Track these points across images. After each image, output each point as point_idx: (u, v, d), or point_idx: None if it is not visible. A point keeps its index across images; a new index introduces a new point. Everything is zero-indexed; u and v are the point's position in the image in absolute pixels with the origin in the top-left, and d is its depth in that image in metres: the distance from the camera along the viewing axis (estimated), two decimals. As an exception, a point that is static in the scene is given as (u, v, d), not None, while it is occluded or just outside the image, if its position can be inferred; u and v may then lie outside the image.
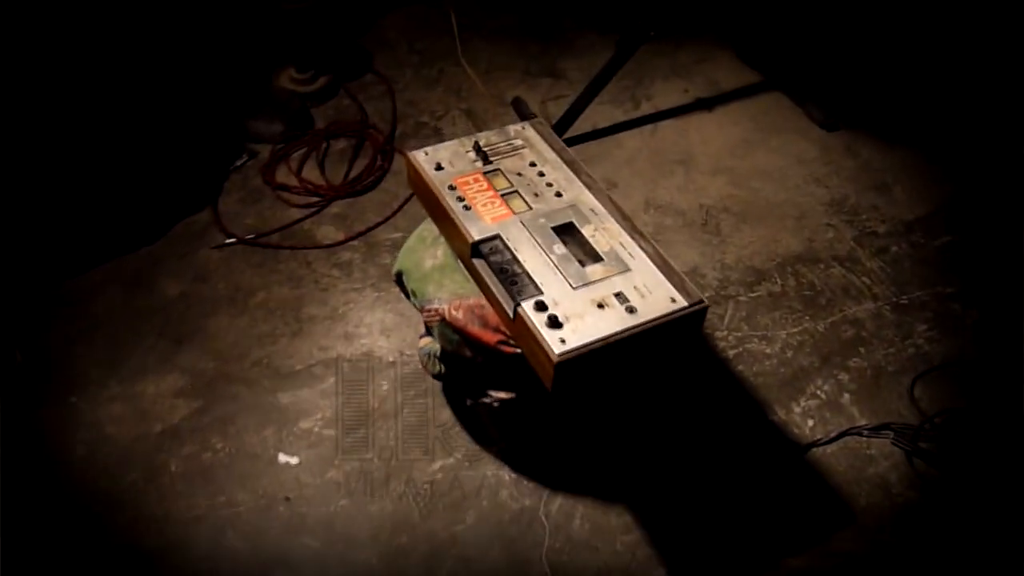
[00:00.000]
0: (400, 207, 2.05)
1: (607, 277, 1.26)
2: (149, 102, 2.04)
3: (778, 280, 1.96)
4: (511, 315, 1.23)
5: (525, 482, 1.55)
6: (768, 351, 1.81)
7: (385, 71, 2.48)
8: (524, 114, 2.31)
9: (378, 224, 2.02)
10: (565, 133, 2.28)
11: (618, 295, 1.23)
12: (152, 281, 1.85)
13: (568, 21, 2.75)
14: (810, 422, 1.68)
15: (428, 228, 1.48)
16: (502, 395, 1.40)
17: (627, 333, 1.19)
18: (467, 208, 1.35)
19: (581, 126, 2.33)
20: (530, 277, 1.25)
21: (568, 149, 1.49)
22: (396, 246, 1.95)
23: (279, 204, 2.06)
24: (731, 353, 1.80)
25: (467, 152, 1.46)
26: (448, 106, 2.38)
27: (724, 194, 2.16)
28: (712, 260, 2.00)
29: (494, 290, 1.26)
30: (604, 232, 1.33)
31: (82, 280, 1.84)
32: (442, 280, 1.37)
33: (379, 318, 1.81)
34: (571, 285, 1.24)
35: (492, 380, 1.41)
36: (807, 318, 1.88)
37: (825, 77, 2.48)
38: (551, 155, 1.47)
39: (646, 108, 2.43)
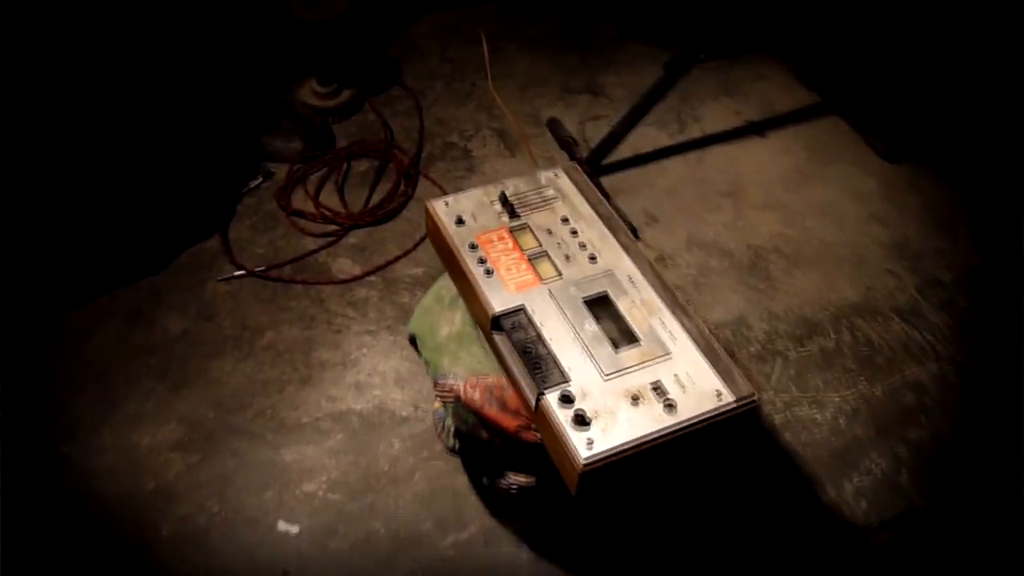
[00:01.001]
0: (422, 239, 1.92)
1: (644, 364, 1.12)
2: (156, 116, 1.93)
3: (832, 334, 1.80)
4: (533, 405, 1.09)
5: (544, 566, 1.42)
6: (818, 418, 1.65)
7: (413, 83, 2.35)
8: (560, 137, 2.16)
9: (398, 258, 1.89)
10: (604, 159, 2.12)
11: (655, 387, 1.09)
12: (153, 317, 1.74)
13: (610, 28, 2.58)
14: (863, 503, 1.53)
15: (446, 286, 1.35)
16: (522, 480, 1.27)
17: (664, 435, 1.05)
18: (489, 273, 1.22)
19: (621, 150, 2.18)
20: (556, 361, 1.11)
21: (605, 203, 1.34)
22: (416, 283, 1.83)
23: (294, 232, 1.94)
24: (777, 419, 1.64)
25: (492, 203, 1.33)
26: (479, 124, 2.24)
27: (775, 232, 2.00)
28: (759, 309, 1.84)
29: (515, 372, 1.13)
30: (642, 307, 1.18)
31: (77, 314, 1.73)
32: (459, 352, 1.24)
33: (393, 366, 1.69)
34: (603, 374, 1.10)
35: (511, 463, 1.27)
36: (863, 380, 1.72)
37: (889, 102, 2.29)
38: (586, 209, 1.33)
39: (693, 131, 2.27)
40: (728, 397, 1.08)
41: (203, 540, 1.43)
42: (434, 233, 1.32)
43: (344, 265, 1.88)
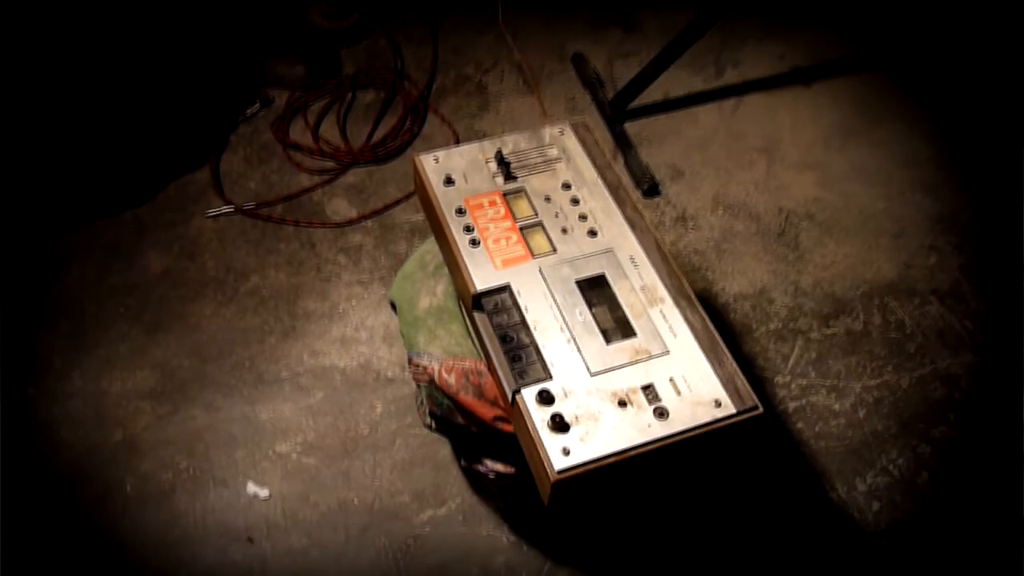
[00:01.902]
0: (425, 183, 1.79)
1: (637, 362, 1.00)
2: (149, 30, 1.80)
3: (861, 315, 1.66)
4: (509, 399, 0.99)
5: (525, 548, 1.35)
6: (836, 407, 1.53)
7: (430, 6, 2.17)
8: (584, 76, 2.00)
9: (397, 202, 1.77)
10: (630, 103, 1.96)
11: (647, 390, 0.98)
12: (133, 253, 1.66)
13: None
14: (875, 505, 1.42)
15: (432, 250, 1.24)
16: (500, 468, 1.18)
17: (650, 447, 0.94)
18: (475, 244, 1.10)
19: (651, 93, 2.01)
20: (538, 352, 1.00)
21: (613, 169, 1.20)
22: (415, 231, 1.72)
23: (289, 167, 1.83)
24: (791, 405, 1.53)
25: (487, 162, 1.19)
26: (498, 57, 2.08)
27: (810, 196, 1.84)
28: (785, 281, 1.71)
29: (494, 359, 1.02)
30: (642, 294, 1.06)
31: (52, 247, 1.65)
32: (436, 330, 1.13)
33: (383, 322, 1.59)
34: (589, 370, 0.98)
35: (489, 450, 1.18)
36: (889, 368, 1.59)
37: (952, 61, 2.08)
38: (591, 174, 1.20)
39: (731, 77, 2.09)
40: (728, 407, 0.97)
41: (167, 499, 1.38)
42: (420, 191, 1.20)
43: (339, 207, 1.77)
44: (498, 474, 1.19)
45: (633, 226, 1.14)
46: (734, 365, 1.01)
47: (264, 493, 1.38)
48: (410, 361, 1.14)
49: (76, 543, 1.33)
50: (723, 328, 1.61)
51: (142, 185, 1.75)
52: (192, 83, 1.88)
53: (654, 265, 1.09)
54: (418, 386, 1.14)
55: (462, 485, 1.40)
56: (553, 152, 1.22)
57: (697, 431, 0.95)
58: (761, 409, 0.98)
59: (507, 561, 1.33)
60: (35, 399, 1.47)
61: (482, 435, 1.12)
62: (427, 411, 1.19)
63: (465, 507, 1.38)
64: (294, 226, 1.73)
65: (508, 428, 1.06)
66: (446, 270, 1.18)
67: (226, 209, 1.73)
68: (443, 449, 1.43)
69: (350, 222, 1.74)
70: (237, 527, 1.35)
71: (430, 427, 1.27)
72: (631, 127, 1.95)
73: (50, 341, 1.53)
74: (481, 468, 1.20)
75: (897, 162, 1.91)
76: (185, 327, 1.57)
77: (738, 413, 0.97)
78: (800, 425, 1.51)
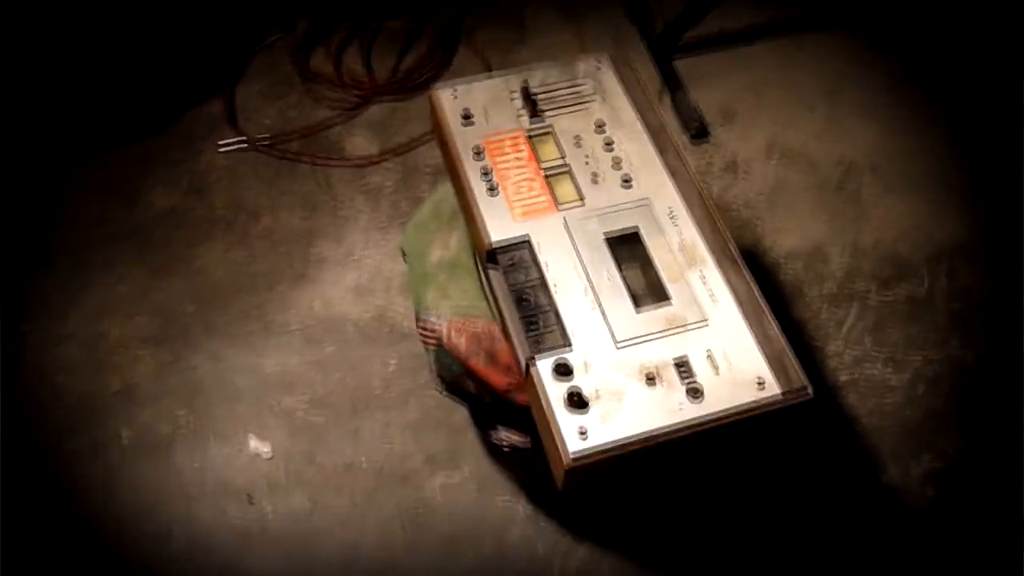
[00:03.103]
0: (452, 121, 1.67)
1: (670, 332, 0.89)
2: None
3: (925, 279, 1.51)
4: (523, 369, 0.88)
5: (542, 522, 1.25)
6: (893, 381, 1.40)
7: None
8: (633, 7, 1.84)
9: (423, 138, 1.64)
10: (682, 37, 1.80)
11: (680, 365, 0.86)
12: (138, 189, 1.57)
13: None
14: (930, 491, 1.29)
15: (448, 196, 1.12)
16: (515, 438, 1.08)
17: (680, 432, 0.82)
18: (493, 191, 0.98)
19: (706, 26, 1.83)
20: (558, 317, 0.89)
21: (657, 109, 1.07)
22: (439, 172, 1.60)
23: (308, 100, 1.72)
24: (843, 377, 1.40)
25: (512, 97, 1.07)
26: (539, -18, 1.92)
27: (875, 146, 1.68)
28: (842, 238, 1.56)
29: (508, 323, 0.91)
30: (681, 254, 0.94)
31: (55, 181, 1.57)
32: (447, 286, 1.02)
33: (401, 271, 1.48)
34: (615, 340, 0.87)
35: (504, 419, 1.08)
36: (954, 342, 1.44)
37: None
38: (629, 115, 1.06)
39: (794, 12, 1.89)
40: (773, 388, 0.85)
41: (165, 452, 1.31)
42: (436, 130, 1.08)
43: (360, 144, 1.66)
44: (513, 446, 1.08)
45: (674, 174, 1.01)
46: (783, 339, 0.88)
47: (267, 451, 1.30)
48: (418, 320, 1.03)
49: (67, 496, 1.27)
50: (771, 290, 1.48)
51: (150, 116, 1.66)
52: (207, 7, 1.76)
53: (696, 220, 0.97)
54: (426, 348, 1.03)
55: (478, 450, 1.31)
56: (587, 88, 1.09)
57: (735, 415, 0.84)
58: (812, 392, 0.86)
59: (523, 534, 1.24)
60: (29, 340, 1.40)
61: (495, 404, 1.02)
62: (436, 375, 1.09)
63: (480, 474, 1.29)
64: (310, 164, 1.62)
65: (523, 399, 0.96)
66: (462, 219, 1.07)
67: (239, 144, 1.63)
68: (459, 411, 1.33)
69: (370, 161, 1.62)
70: (237, 485, 1.28)
71: (439, 391, 1.17)
72: (681, 64, 1.79)
73: (46, 280, 1.46)
74: (495, 437, 1.10)
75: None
76: (190, 270, 1.48)
77: (784, 396, 0.85)
78: (852, 399, 1.38)
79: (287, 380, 1.37)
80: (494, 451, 1.29)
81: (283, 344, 1.41)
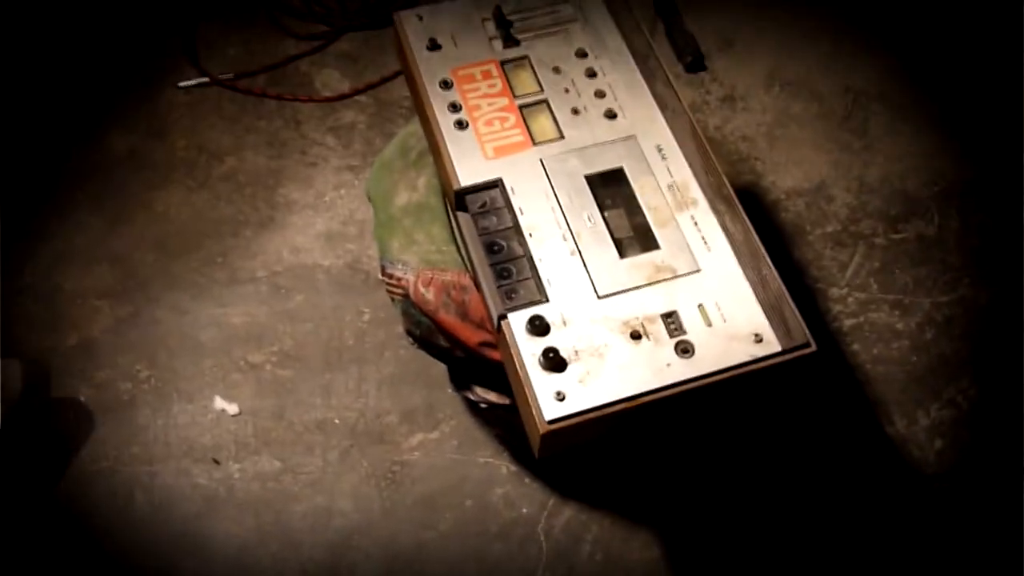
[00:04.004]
0: (429, 52, 1.56)
1: (659, 282, 0.80)
2: None
3: (935, 217, 1.42)
4: (494, 324, 0.80)
5: (527, 481, 1.19)
6: (900, 326, 1.32)
7: None
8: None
9: (397, 74, 1.54)
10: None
11: (669, 318, 0.78)
12: (93, 131, 1.47)
13: None
14: (938, 443, 1.23)
15: (417, 132, 1.02)
16: (492, 397, 1.00)
17: (667, 393, 0.74)
18: (462, 126, 0.89)
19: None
20: (533, 266, 0.80)
21: (644, 33, 0.96)
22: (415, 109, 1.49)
23: (274, 32, 1.60)
24: (847, 323, 1.32)
25: (484, 21, 0.96)
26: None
27: (885, 74, 1.57)
28: (848, 175, 1.46)
29: (479, 273, 0.82)
30: (670, 193, 0.85)
31: (1, 126, 1.46)
32: (414, 232, 0.94)
33: (375, 215, 1.39)
34: (596, 292, 0.78)
35: (479, 378, 1.00)
36: (966, 281, 1.36)
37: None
38: (615, 40, 0.96)
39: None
40: (772, 343, 0.77)
41: (126, 412, 1.24)
42: (401, 59, 0.98)
43: (330, 78, 1.55)
44: (490, 404, 1.01)
45: (664, 106, 0.91)
46: (782, 288, 0.80)
47: (233, 408, 1.23)
48: (383, 270, 0.95)
49: (24, 458, 1.20)
50: (771, 231, 1.39)
51: (103, 51, 1.54)
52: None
53: (687, 157, 0.87)
54: (393, 301, 0.95)
55: (458, 406, 1.24)
56: (567, 10, 0.98)
57: (729, 373, 0.76)
58: (814, 346, 0.78)
59: (505, 494, 1.18)
60: (-20, 293, 1.32)
61: (469, 361, 0.94)
62: (405, 330, 1.01)
63: (460, 431, 1.22)
64: (277, 100, 1.52)
65: (498, 356, 0.87)
66: (431, 158, 0.97)
67: (201, 80, 1.52)
68: (438, 365, 1.24)
69: (341, 96, 1.52)
70: (202, 445, 1.21)
71: (412, 346, 1.09)
72: (676, -13, 1.67)
73: (-2, 230, 1.37)
74: (471, 396, 1.02)
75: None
76: (150, 216, 1.39)
77: (784, 352, 0.76)
78: (856, 346, 1.30)
79: (254, 333, 1.30)
80: (474, 407, 1.22)
81: (250, 294, 1.33)
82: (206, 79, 1.52)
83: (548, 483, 1.19)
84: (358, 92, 1.52)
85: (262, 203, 1.41)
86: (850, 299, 1.34)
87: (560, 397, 0.73)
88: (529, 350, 0.76)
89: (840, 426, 1.23)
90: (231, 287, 1.34)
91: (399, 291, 0.92)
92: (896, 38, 1.61)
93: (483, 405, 1.02)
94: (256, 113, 1.50)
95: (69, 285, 1.33)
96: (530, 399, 0.74)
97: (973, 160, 1.46)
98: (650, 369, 0.75)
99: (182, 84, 1.52)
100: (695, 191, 0.85)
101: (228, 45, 1.58)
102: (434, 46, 0.94)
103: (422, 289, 0.90)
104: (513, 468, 1.20)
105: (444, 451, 1.21)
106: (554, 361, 0.74)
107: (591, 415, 0.73)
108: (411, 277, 0.91)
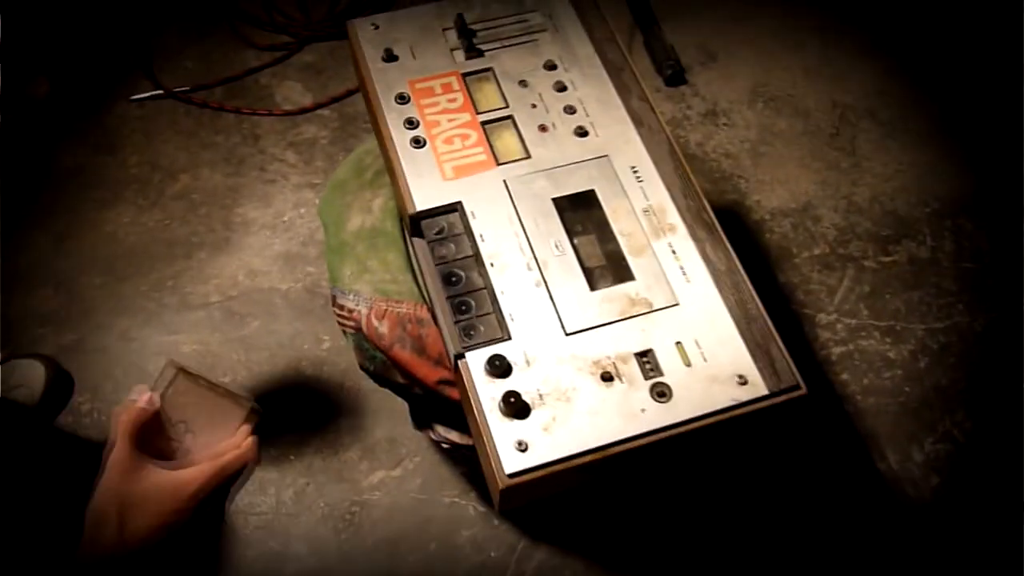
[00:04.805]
0: (398, 64, 1.49)
1: (632, 317, 0.72)
2: None
3: (928, 238, 1.36)
4: (451, 361, 0.72)
5: (495, 522, 1.11)
6: (892, 355, 1.25)
7: None
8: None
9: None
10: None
11: (644, 357, 0.70)
12: (40, 145, 1.38)
13: None
14: (934, 479, 1.16)
15: (374, 150, 0.95)
16: (455, 438, 0.92)
17: (641, 442, 0.67)
18: (419, 143, 0.81)
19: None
20: (494, 299, 0.73)
21: (618, 44, 0.90)
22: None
23: (234, 42, 1.52)
24: (836, 351, 1.25)
25: (445, 30, 0.89)
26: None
27: (874, 89, 1.51)
28: (836, 194, 1.40)
29: (436, 306, 0.75)
30: (646, 218, 0.77)
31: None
32: (367, 259, 0.86)
33: (338, 236, 1.31)
34: (564, 328, 0.71)
35: (440, 416, 0.92)
36: (961, 307, 1.30)
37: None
38: (587, 50, 0.89)
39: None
40: (757, 386, 0.69)
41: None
42: (356, 71, 0.91)
43: (292, 91, 1.47)
44: (453, 444, 0.93)
45: (639, 123, 0.84)
46: (769, 324, 0.73)
47: (181, 444, 1.14)
48: (333, 300, 0.87)
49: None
50: (756, 254, 1.32)
51: (52, 59, 1.46)
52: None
53: (664, 179, 0.80)
54: (344, 333, 0.87)
55: (422, 441, 1.16)
56: (536, 19, 0.91)
57: (710, 419, 0.68)
58: (804, 389, 0.70)
59: (473, 537, 1.10)
60: (-89, 322, 1.23)
61: (428, 399, 0.86)
62: (359, 365, 0.93)
63: (424, 468, 1.14)
64: (235, 114, 1.44)
65: (457, 395, 0.80)
66: (388, 180, 0.90)
67: (155, 93, 1.44)
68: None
69: (303, 110, 1.44)
70: (146, 486, 1.12)
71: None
72: (656, -2, 1.61)
73: (-67, 251, 1.29)
74: (433, 435, 0.94)
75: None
76: (98, 237, 1.31)
77: (771, 395, 0.69)
78: (845, 376, 1.23)
79: (207, 362, 1.21)
80: (438, 445, 1.14)
81: (202, 320, 1.25)
82: (160, 91, 1.44)
83: (518, 525, 1.11)
84: (321, 106, 1.45)
85: (218, 223, 1.33)
86: (839, 326, 1.28)
87: (522, 447, 0.66)
88: (488, 393, 0.68)
89: (828, 463, 1.16)
90: (182, 313, 1.25)
91: (351, 324, 0.84)
92: (886, 50, 1.55)
93: (445, 445, 0.94)
94: (213, 128, 1.43)
95: (11, 310, 1.24)
96: (488, 449, 0.67)
97: (968, 178, 1.40)
98: (622, 415, 0.67)
99: (135, 97, 1.44)
100: (673, 216, 0.78)
101: (186, 56, 1.50)
102: (390, 57, 0.87)
103: (375, 322, 0.82)
104: (481, 508, 1.12)
105: (407, 490, 1.13)
106: (515, 406, 0.67)
107: (556, 467, 0.66)
108: (364, 309, 0.83)
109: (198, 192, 1.36)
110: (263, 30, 1.53)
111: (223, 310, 1.26)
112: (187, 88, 1.45)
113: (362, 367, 0.89)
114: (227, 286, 1.28)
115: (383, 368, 0.87)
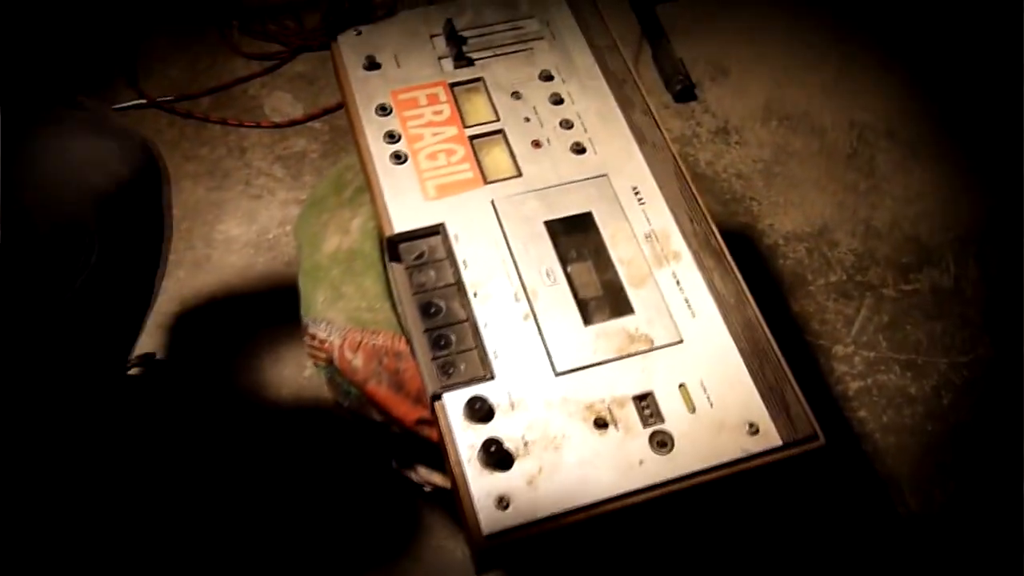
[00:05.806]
0: (393, 75, 1.43)
1: (631, 355, 0.65)
2: None
3: (951, 266, 1.29)
4: (428, 403, 0.65)
5: None
6: (913, 391, 1.18)
7: None
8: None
9: (356, 99, 1.40)
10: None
11: (643, 402, 0.63)
12: (11, 155, 1.32)
13: None
14: (958, 523, 1.08)
15: (355, 165, 0.88)
16: (438, 480, 0.85)
17: (640, 498, 0.60)
18: (399, 159, 0.74)
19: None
20: (477, 333, 0.65)
21: (620, 53, 0.83)
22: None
23: (223, 49, 1.46)
24: (853, 386, 1.18)
25: (432, 37, 0.83)
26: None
27: (897, 106, 1.45)
28: (853, 218, 1.33)
29: (413, 339, 0.68)
30: (649, 244, 0.70)
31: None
32: (343, 284, 0.79)
33: (324, 255, 1.24)
34: (553, 367, 0.64)
35: (422, 456, 0.85)
36: (987, 339, 1.22)
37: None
38: (586, 60, 0.82)
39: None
40: (770, 436, 0.62)
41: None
42: (337, 80, 0.84)
43: (282, 102, 1.41)
44: (436, 487, 0.86)
45: (642, 140, 0.77)
46: (783, 365, 0.65)
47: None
48: (305, 329, 0.80)
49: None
50: (768, 282, 1.25)
51: (29, 66, 1.40)
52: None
53: (669, 201, 0.73)
54: (316, 366, 0.80)
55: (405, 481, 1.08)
56: (533, 26, 0.85)
57: (717, 473, 0.61)
58: (822, 440, 0.63)
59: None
60: None
61: (407, 437, 0.79)
62: (333, 401, 0.86)
63: (408, 510, 1.06)
64: (221, 125, 1.38)
65: (437, 436, 0.73)
66: (368, 199, 0.83)
67: (137, 102, 1.39)
68: (387, 428, 1.10)
69: (293, 122, 1.38)
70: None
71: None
72: (664, 11, 1.55)
73: None
74: (415, 477, 0.87)
75: None
76: (70, 253, 1.24)
77: (785, 446, 0.62)
78: (863, 413, 1.16)
79: (180, 390, 1.15)
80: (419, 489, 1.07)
81: (176, 344, 1.18)
82: (143, 100, 1.38)
83: (510, 571, 1.03)
84: (312, 118, 1.38)
85: (198, 240, 1.27)
86: (856, 358, 1.20)
87: (503, 504, 0.59)
88: (467, 440, 0.61)
89: (845, 507, 1.08)
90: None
91: (322, 355, 0.77)
92: (906, 67, 1.49)
93: (427, 488, 0.87)
94: (198, 139, 1.37)
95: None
96: (465, 504, 0.59)
97: (993, 203, 1.33)
98: (618, 467, 0.60)
99: (117, 106, 1.38)
100: (678, 242, 0.71)
101: (171, 64, 1.45)
102: (372, 65, 0.81)
103: (349, 355, 0.75)
104: (468, 553, 1.04)
105: (389, 533, 1.06)
106: (496, 456, 0.60)
107: (542, 527, 0.58)
108: (336, 340, 0.76)
109: (179, 207, 1.29)
110: (253, 38, 1.48)
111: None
112: (171, 98, 1.39)
113: (335, 405, 0.82)
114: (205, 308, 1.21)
115: (358, 405, 0.80)
